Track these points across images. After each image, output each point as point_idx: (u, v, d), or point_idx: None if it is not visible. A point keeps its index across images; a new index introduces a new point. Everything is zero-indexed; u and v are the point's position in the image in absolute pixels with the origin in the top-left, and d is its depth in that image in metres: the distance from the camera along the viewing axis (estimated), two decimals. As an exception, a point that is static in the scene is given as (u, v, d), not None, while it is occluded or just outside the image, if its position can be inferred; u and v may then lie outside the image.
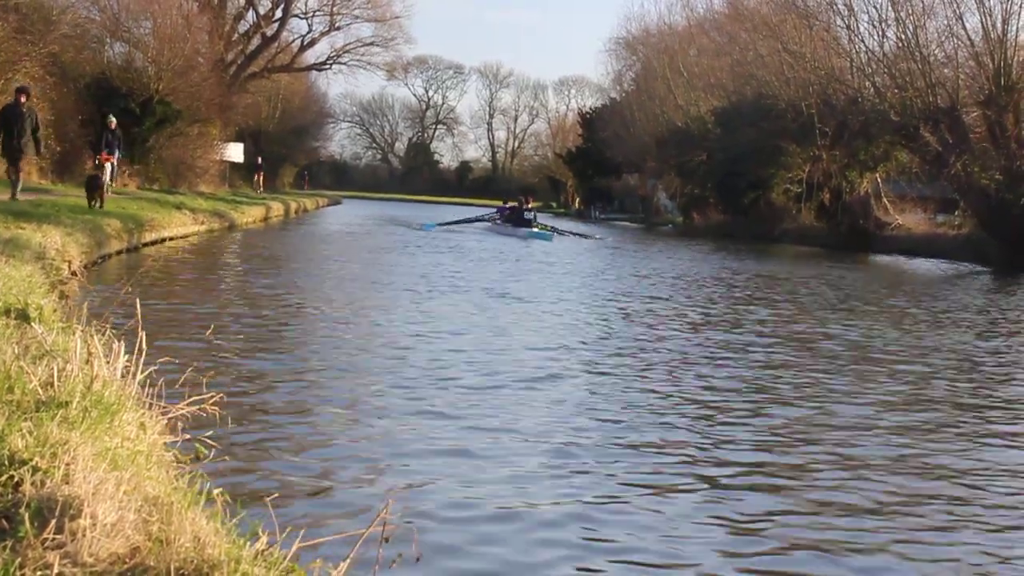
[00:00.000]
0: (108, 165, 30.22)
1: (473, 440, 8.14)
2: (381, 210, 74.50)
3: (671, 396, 10.50)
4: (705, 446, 8.53)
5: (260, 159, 66.34)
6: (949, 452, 8.84)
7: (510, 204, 53.22)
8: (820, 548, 6.26)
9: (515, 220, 48.01)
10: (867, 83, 49.26)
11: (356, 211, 68.80)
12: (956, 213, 50.29)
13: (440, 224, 48.09)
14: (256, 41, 67.88)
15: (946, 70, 45.29)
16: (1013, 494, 7.74)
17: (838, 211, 54.97)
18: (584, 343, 13.89)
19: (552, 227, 50.09)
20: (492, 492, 6.89)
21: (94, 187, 25.31)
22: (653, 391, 10.72)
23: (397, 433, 8.26)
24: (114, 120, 31.21)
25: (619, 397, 10.34)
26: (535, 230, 46.04)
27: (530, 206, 50.84)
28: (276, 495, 5.78)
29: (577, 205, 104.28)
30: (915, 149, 46.77)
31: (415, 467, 7.35)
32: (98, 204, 24.78)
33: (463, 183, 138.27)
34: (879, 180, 55.53)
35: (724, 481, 7.57)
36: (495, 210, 54.89)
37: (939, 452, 8.81)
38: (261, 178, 66.02)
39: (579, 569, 5.70)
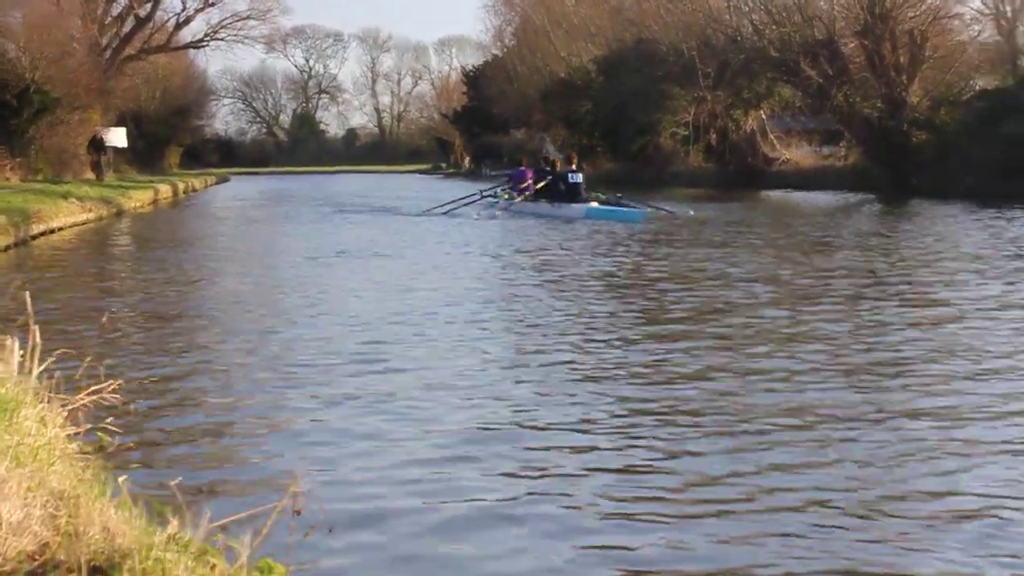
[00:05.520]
0: None
1: (380, 412, 8.12)
2: (271, 185, 73.70)
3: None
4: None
5: (99, 135, 52.08)
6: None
7: (543, 166, 34.89)
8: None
9: (556, 192, 31.41)
10: (745, 21, 49.53)
11: (244, 189, 67.68)
12: (841, 144, 50.98)
13: (429, 211, 32.56)
14: (130, 23, 66.89)
15: (821, 3, 45.74)
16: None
17: (726, 151, 55.35)
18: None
19: (618, 196, 31.42)
20: (402, 461, 6.89)
21: None
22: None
23: (302, 406, 8.23)
24: None
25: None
26: (595, 205, 30.09)
27: (573, 167, 32.74)
28: (183, 478, 5.74)
29: (467, 164, 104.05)
30: (797, 83, 47.17)
31: (323, 439, 7.33)
32: None
33: (350, 150, 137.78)
34: (764, 117, 55.95)
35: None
36: (506, 177, 37.46)
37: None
38: (103, 159, 52.03)
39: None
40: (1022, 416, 7.73)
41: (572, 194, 30.88)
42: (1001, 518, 5.68)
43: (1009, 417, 7.70)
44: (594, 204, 30.17)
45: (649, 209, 29.49)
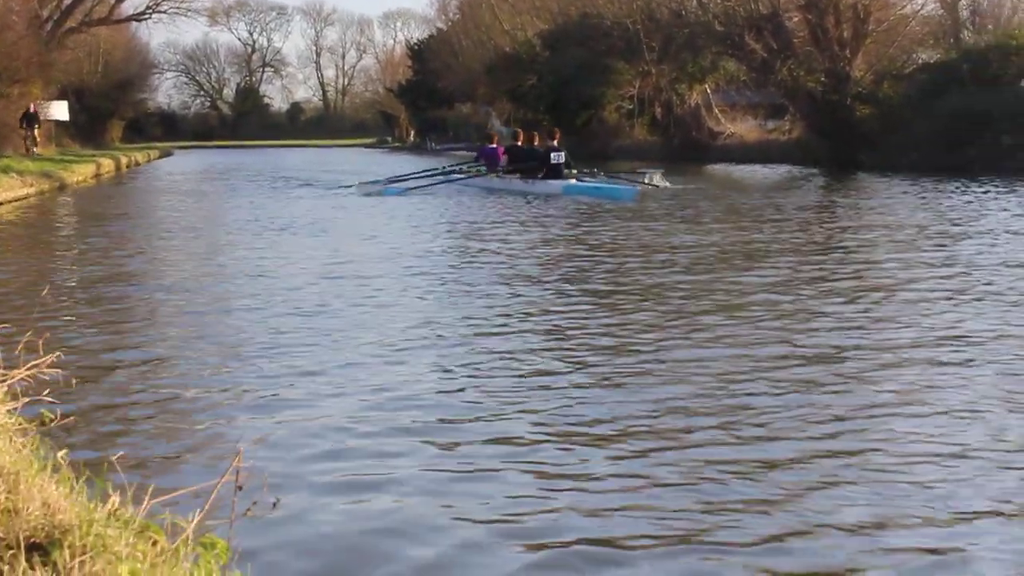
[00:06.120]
0: None
1: (326, 388, 8.07)
2: (215, 159, 73.28)
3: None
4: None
5: (32, 108, 48.25)
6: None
7: (516, 141, 31.45)
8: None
9: (527, 167, 29.11)
10: (690, -5, 49.77)
11: (187, 163, 67.31)
12: (785, 118, 51.23)
13: (387, 181, 30.05)
14: (71, -5, 66.28)
15: (766, -24, 45.92)
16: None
17: (670, 124, 55.62)
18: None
19: (594, 171, 29.80)
20: (348, 437, 6.86)
21: None
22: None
23: (246, 381, 8.16)
24: None
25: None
26: (574, 182, 27.97)
27: (556, 141, 29.97)
28: (126, 453, 5.69)
29: (412, 138, 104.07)
30: (741, 57, 47.40)
31: (267, 414, 7.27)
32: None
33: (295, 124, 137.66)
34: (708, 91, 56.20)
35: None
36: (475, 153, 35.15)
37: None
38: (37, 133, 48.57)
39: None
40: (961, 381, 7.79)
41: (552, 174, 28.43)
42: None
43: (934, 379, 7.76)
44: (573, 181, 28.03)
45: (639, 186, 27.64)
